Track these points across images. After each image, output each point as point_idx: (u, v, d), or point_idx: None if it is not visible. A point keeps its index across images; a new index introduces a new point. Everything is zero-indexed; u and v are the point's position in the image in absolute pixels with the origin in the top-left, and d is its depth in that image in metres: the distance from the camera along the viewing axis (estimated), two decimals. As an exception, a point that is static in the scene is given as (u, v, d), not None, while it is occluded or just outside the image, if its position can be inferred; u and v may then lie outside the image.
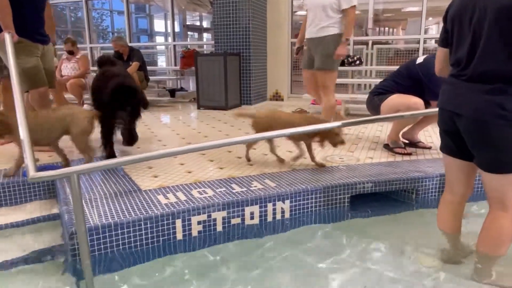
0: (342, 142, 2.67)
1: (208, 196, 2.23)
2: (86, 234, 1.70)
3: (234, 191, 2.33)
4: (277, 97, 7.19)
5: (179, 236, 2.06)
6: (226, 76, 5.99)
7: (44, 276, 1.86)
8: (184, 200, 2.17)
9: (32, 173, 1.58)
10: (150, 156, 1.83)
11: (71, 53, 6.38)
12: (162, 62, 11.04)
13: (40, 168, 2.65)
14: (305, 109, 5.92)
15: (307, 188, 2.34)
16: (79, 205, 1.65)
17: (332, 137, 2.64)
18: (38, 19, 3.20)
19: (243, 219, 2.20)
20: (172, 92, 7.29)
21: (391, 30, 15.43)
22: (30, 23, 3.10)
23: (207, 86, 6.12)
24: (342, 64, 6.24)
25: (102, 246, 1.88)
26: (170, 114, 5.96)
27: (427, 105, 3.14)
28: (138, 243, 1.97)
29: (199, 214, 2.08)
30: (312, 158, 2.86)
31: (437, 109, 1.82)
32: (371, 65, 6.81)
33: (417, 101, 3.03)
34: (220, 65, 5.99)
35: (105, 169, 2.42)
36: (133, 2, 12.20)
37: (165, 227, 2.01)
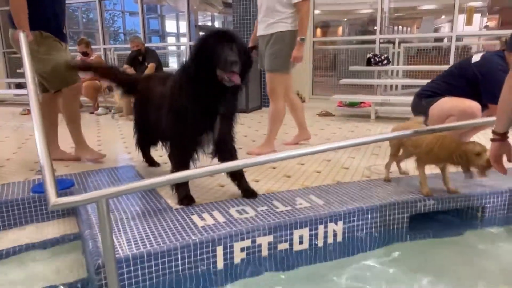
0: (488, 165, 1.94)
1: (250, 217, 1.94)
2: (116, 269, 1.43)
3: (278, 210, 2.03)
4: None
5: (220, 264, 1.77)
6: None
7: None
8: (224, 222, 1.89)
9: (53, 200, 1.31)
10: (191, 174, 1.54)
11: (85, 54, 6.18)
12: (172, 63, 10.81)
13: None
14: (330, 111, 5.61)
15: (361, 208, 2.04)
16: (108, 235, 1.37)
17: (473, 159, 2.00)
18: (61, 15, 2.99)
19: (291, 244, 1.91)
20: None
21: (405, 29, 15.06)
22: (54, 19, 2.89)
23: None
24: (369, 64, 5.93)
25: (133, 280, 1.60)
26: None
27: (484, 108, 2.80)
28: (174, 274, 1.68)
29: (242, 239, 1.79)
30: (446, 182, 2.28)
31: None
32: (398, 64, 6.46)
33: (473, 104, 2.69)
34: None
35: (138, 191, 2.15)
36: (145, 3, 12.02)
37: (205, 255, 1.73)
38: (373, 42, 6.53)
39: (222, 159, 2.26)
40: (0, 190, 2.42)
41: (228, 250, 1.77)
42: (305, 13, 3.14)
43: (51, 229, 2.24)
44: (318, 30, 7.76)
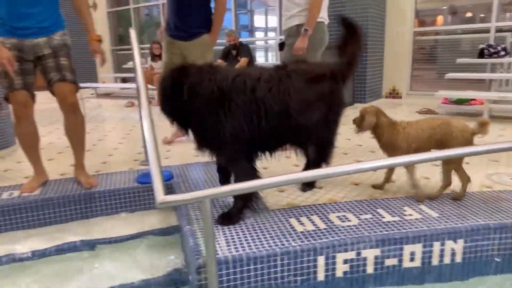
0: None
1: (353, 226, 1.78)
2: (217, 271, 1.39)
3: (384, 220, 1.83)
4: (394, 94, 6.40)
5: (321, 276, 1.64)
6: (340, 72, 5.45)
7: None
8: (324, 229, 1.75)
9: (161, 197, 1.31)
10: (294, 178, 1.43)
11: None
12: (259, 57, 10.85)
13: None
14: (432, 108, 5.10)
15: (488, 225, 1.74)
16: (210, 236, 1.34)
17: None
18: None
19: (400, 260, 1.69)
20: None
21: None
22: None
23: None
24: (481, 55, 5.25)
25: (231, 283, 1.55)
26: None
27: None
28: (273, 281, 1.60)
29: (346, 251, 1.64)
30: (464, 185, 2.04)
31: None
32: (517, 56, 5.61)
33: None
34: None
35: (243, 193, 2.12)
36: (237, -2, 12.26)
37: (305, 264, 1.61)
38: (484, 31, 5.77)
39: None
40: (108, 178, 2.59)
41: (330, 261, 1.63)
42: (314, 3, 2.94)
43: (153, 220, 2.33)
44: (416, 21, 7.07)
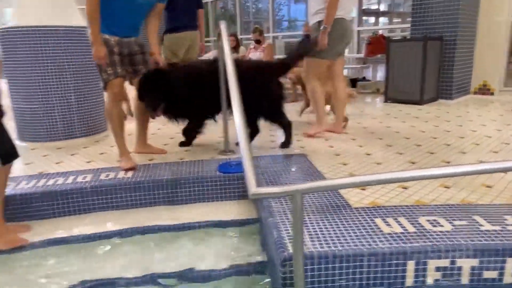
0: None
1: (447, 232, 1.66)
2: (303, 265, 1.38)
3: (482, 228, 1.68)
4: (484, 90, 5.84)
5: (409, 281, 1.56)
6: (424, 65, 5.11)
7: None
8: (413, 233, 1.66)
9: (253, 189, 1.33)
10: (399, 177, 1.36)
11: (258, 42, 6.53)
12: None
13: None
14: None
15: None
16: (299, 230, 1.33)
17: None
18: None
19: (501, 274, 1.55)
20: (353, 82, 6.75)
21: None
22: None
23: (399, 76, 5.36)
24: None
25: (315, 279, 1.54)
26: (353, 106, 5.43)
27: None
28: (357, 281, 1.56)
29: (439, 258, 1.54)
30: None
31: None
32: None
33: None
34: (417, 51, 5.13)
35: (335, 189, 2.10)
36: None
37: (393, 268, 1.54)
38: None
39: None
40: (192, 166, 2.71)
41: (421, 267, 1.54)
42: (331, 2, 3.17)
43: (232, 210, 2.39)
44: None
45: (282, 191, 1.34)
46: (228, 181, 2.51)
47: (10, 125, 2.38)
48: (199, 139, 3.62)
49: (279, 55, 8.09)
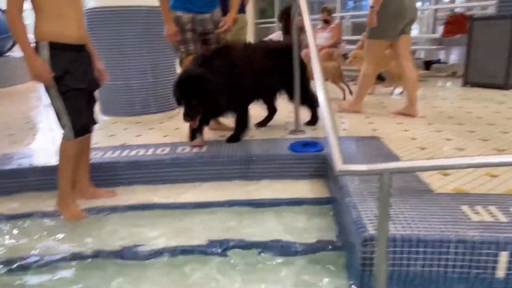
0: None
1: (546, 224, 1.52)
2: (387, 248, 1.35)
3: None
4: None
5: (500, 273, 1.46)
6: (512, 46, 4.65)
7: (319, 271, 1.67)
8: (507, 223, 1.54)
9: (340, 166, 1.31)
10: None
11: (326, 22, 6.35)
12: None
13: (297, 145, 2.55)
14: None
15: None
16: (385, 210, 1.30)
17: None
18: None
19: None
20: (428, 64, 6.34)
21: None
22: None
23: (481, 58, 4.93)
24: None
25: (397, 262, 1.50)
26: (428, 90, 5.11)
27: None
28: (442, 268, 1.49)
29: (538, 251, 1.42)
30: None
31: None
32: None
33: None
34: (504, 31, 4.67)
35: (423, 171, 2.02)
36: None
37: (483, 257, 1.46)
38: None
39: None
40: (263, 144, 2.75)
41: (515, 259, 1.44)
42: None
43: (304, 188, 2.40)
44: None
45: (370, 169, 1.31)
46: (299, 160, 2.51)
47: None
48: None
49: (346, 36, 7.82)
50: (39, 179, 2.49)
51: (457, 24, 5.88)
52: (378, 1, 3.22)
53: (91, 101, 2.28)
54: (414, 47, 7.30)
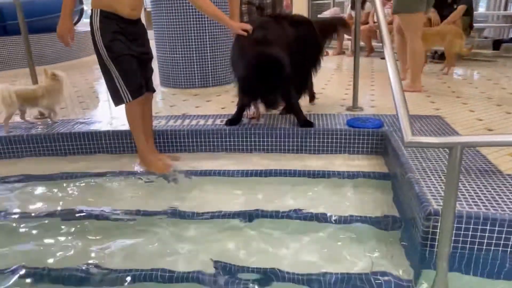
0: None
1: None
2: (453, 223, 1.33)
3: None
4: None
5: None
6: None
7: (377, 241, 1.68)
8: None
9: (410, 137, 1.30)
10: None
11: (387, -3, 6.06)
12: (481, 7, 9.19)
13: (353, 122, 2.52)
14: None
15: None
16: (454, 186, 1.26)
17: None
18: None
19: None
20: (497, 44, 5.88)
21: None
22: None
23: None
24: None
25: (461, 239, 1.48)
26: (497, 71, 4.76)
27: None
28: (509, 248, 1.45)
29: None
30: None
31: None
32: None
33: None
34: None
35: (497, 145, 1.95)
36: None
37: (555, 240, 1.40)
38: None
39: None
40: (320, 119, 2.74)
41: None
42: None
43: (362, 164, 2.39)
44: None
45: (440, 142, 1.29)
46: (357, 136, 2.49)
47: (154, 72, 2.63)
48: (323, 94, 3.61)
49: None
50: (110, 142, 2.70)
51: (534, -1, 5.37)
52: None
53: (147, 69, 2.37)
54: (481, 24, 6.80)
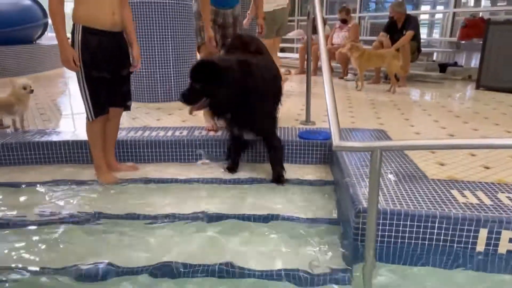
0: None
1: (527, 208, 1.67)
2: (376, 218, 1.52)
3: None
4: None
5: (480, 248, 1.62)
6: (528, 51, 4.70)
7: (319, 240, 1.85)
8: (490, 205, 1.69)
9: (337, 142, 1.49)
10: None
11: (344, 21, 6.47)
12: (423, 34, 9.94)
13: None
14: None
15: None
16: (375, 185, 1.46)
17: None
18: None
19: None
20: (443, 67, 6.40)
21: None
22: None
23: (495, 62, 4.99)
24: None
25: (386, 233, 1.68)
26: (440, 91, 5.21)
27: None
28: (427, 241, 1.66)
29: (515, 229, 1.57)
30: None
31: None
32: None
33: None
34: (520, 36, 4.73)
35: (413, 149, 2.18)
36: (407, -32, 11.34)
37: (464, 232, 1.62)
38: None
39: None
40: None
41: (494, 235, 1.59)
42: None
43: (308, 172, 2.58)
44: None
45: (363, 146, 1.49)
46: (307, 147, 2.69)
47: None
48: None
49: (364, 37, 7.92)
50: (69, 152, 2.75)
51: (474, 28, 5.93)
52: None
53: (123, 84, 2.48)
54: (430, 49, 7.37)
